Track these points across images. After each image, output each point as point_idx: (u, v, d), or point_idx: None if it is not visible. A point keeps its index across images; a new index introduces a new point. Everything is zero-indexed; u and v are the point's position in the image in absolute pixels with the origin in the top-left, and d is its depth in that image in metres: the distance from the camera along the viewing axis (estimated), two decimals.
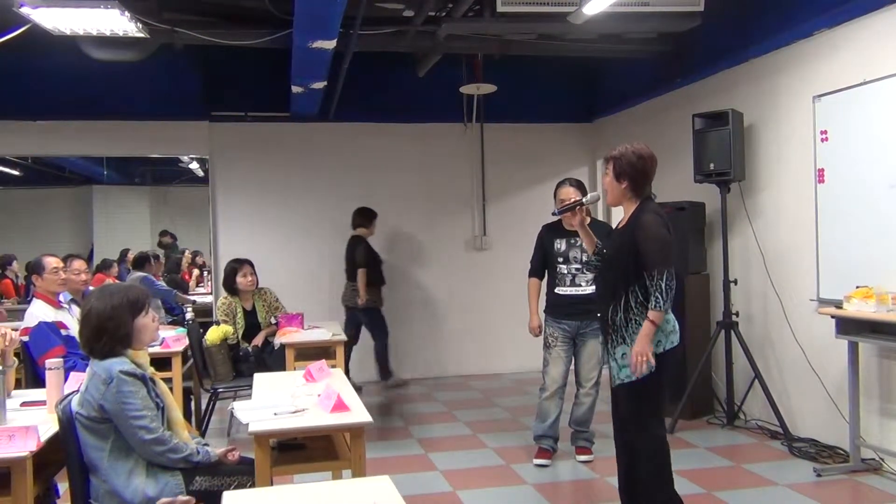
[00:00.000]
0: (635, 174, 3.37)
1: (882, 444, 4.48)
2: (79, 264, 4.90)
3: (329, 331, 5.44)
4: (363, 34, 5.71)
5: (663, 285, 3.19)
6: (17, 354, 4.98)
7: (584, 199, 3.67)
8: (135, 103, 7.17)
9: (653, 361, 3.24)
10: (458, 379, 7.69)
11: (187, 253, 10.16)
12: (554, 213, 3.98)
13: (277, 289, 5.97)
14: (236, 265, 5.72)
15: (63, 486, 3.23)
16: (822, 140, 4.81)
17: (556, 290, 4.72)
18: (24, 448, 2.59)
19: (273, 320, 5.65)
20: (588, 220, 3.68)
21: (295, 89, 6.31)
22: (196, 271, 10.20)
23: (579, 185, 4.71)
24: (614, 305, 3.36)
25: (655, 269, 3.20)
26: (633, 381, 3.30)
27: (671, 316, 3.34)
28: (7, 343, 3.39)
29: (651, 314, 3.23)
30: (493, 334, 7.87)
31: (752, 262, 5.58)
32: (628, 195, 3.41)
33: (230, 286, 5.70)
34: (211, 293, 7.83)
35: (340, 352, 5.25)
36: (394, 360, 7.65)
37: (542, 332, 4.81)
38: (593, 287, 4.65)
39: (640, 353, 3.23)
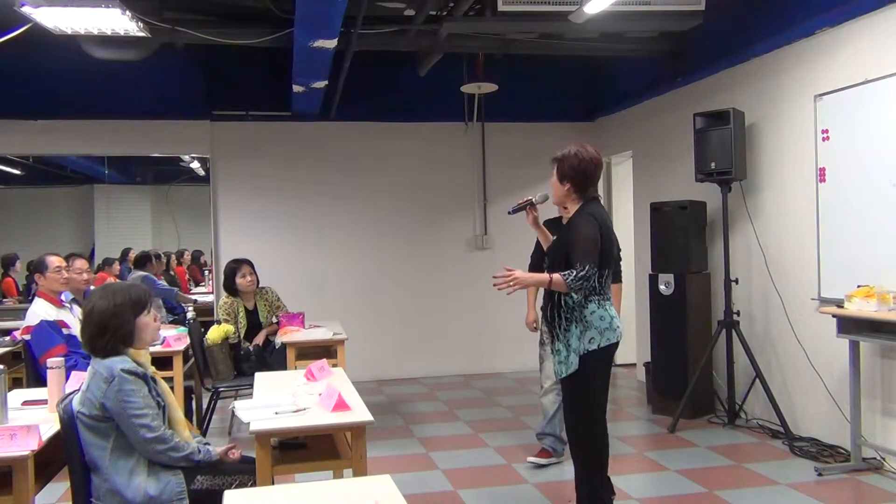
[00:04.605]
0: (576, 176, 3.42)
1: (883, 444, 4.48)
2: (81, 263, 4.93)
3: (330, 330, 5.44)
4: (364, 33, 5.72)
5: (582, 273, 3.22)
6: (18, 353, 5.01)
7: (534, 199, 3.68)
8: (136, 102, 7.17)
9: (511, 289, 3.27)
10: (459, 378, 7.69)
11: (187, 254, 10.15)
12: (509, 213, 3.88)
13: (278, 288, 5.97)
14: (235, 266, 5.68)
15: (63, 486, 3.24)
16: (824, 139, 4.81)
17: None
18: (25, 447, 2.60)
19: (274, 319, 5.65)
20: None
21: (296, 88, 6.31)
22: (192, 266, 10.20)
23: None
24: (552, 303, 3.42)
25: (578, 261, 3.25)
26: (570, 376, 3.36)
27: (610, 313, 3.38)
28: None
29: (556, 277, 3.25)
30: (494, 333, 7.87)
31: (753, 262, 5.58)
32: (571, 196, 3.47)
33: (230, 287, 5.68)
34: (212, 292, 7.84)
35: (342, 351, 5.25)
36: (395, 359, 7.66)
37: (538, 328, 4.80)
38: None
39: (514, 275, 3.26)
